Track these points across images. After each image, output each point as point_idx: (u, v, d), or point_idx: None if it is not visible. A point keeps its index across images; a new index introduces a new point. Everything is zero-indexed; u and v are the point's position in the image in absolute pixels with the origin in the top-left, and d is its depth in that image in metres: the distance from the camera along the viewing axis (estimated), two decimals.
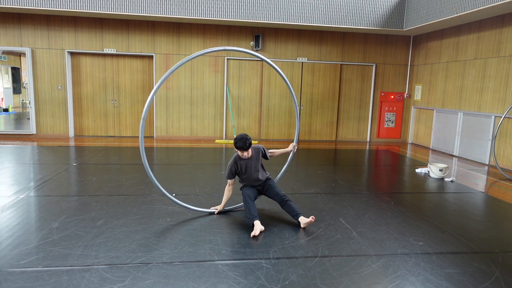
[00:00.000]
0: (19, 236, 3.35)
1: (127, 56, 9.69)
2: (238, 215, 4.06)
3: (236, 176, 4.08)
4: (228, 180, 4.07)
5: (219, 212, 4.15)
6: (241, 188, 4.10)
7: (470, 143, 8.23)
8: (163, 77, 3.50)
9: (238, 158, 3.97)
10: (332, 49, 10.09)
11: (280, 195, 3.92)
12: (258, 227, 3.56)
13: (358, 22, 9.09)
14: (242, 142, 3.81)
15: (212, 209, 4.17)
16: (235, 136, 4.03)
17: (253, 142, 10.29)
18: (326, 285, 2.69)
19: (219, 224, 3.79)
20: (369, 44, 10.22)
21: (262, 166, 4.12)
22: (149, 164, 3.67)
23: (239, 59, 9.88)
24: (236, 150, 3.89)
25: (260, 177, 4.01)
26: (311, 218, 3.66)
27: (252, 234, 3.51)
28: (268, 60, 4.12)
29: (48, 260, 2.92)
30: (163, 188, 3.85)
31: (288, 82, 4.18)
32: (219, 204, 4.16)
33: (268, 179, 4.09)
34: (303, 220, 3.71)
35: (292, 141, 4.41)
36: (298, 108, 4.46)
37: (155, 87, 3.60)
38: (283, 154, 4.34)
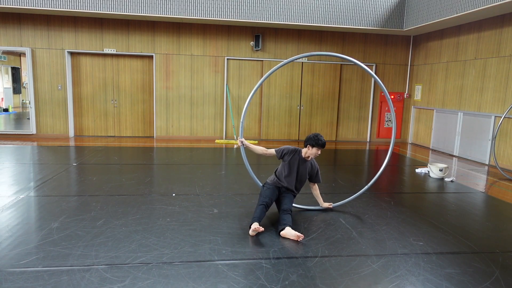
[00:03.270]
0: (19, 236, 3.35)
1: (127, 56, 9.69)
2: (238, 215, 4.05)
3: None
4: (272, 150, 3.96)
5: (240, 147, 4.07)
6: (263, 185, 3.98)
7: (470, 143, 8.23)
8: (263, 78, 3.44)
9: (299, 153, 3.87)
10: (332, 49, 10.08)
11: (284, 206, 3.72)
12: (253, 227, 3.44)
13: (358, 22, 9.09)
14: (324, 142, 3.78)
15: (238, 140, 4.06)
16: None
17: (252, 142, 10.25)
18: (326, 285, 2.69)
19: (219, 224, 3.79)
20: (369, 44, 10.22)
21: (303, 181, 3.99)
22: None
23: (239, 59, 9.88)
24: (308, 146, 3.79)
25: (293, 183, 3.86)
26: (296, 237, 3.36)
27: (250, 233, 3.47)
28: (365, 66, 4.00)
29: (48, 260, 2.91)
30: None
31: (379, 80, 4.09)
32: (220, 203, 4.15)
33: (293, 192, 3.92)
34: (285, 231, 3.44)
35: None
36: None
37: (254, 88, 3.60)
38: (317, 197, 4.28)
